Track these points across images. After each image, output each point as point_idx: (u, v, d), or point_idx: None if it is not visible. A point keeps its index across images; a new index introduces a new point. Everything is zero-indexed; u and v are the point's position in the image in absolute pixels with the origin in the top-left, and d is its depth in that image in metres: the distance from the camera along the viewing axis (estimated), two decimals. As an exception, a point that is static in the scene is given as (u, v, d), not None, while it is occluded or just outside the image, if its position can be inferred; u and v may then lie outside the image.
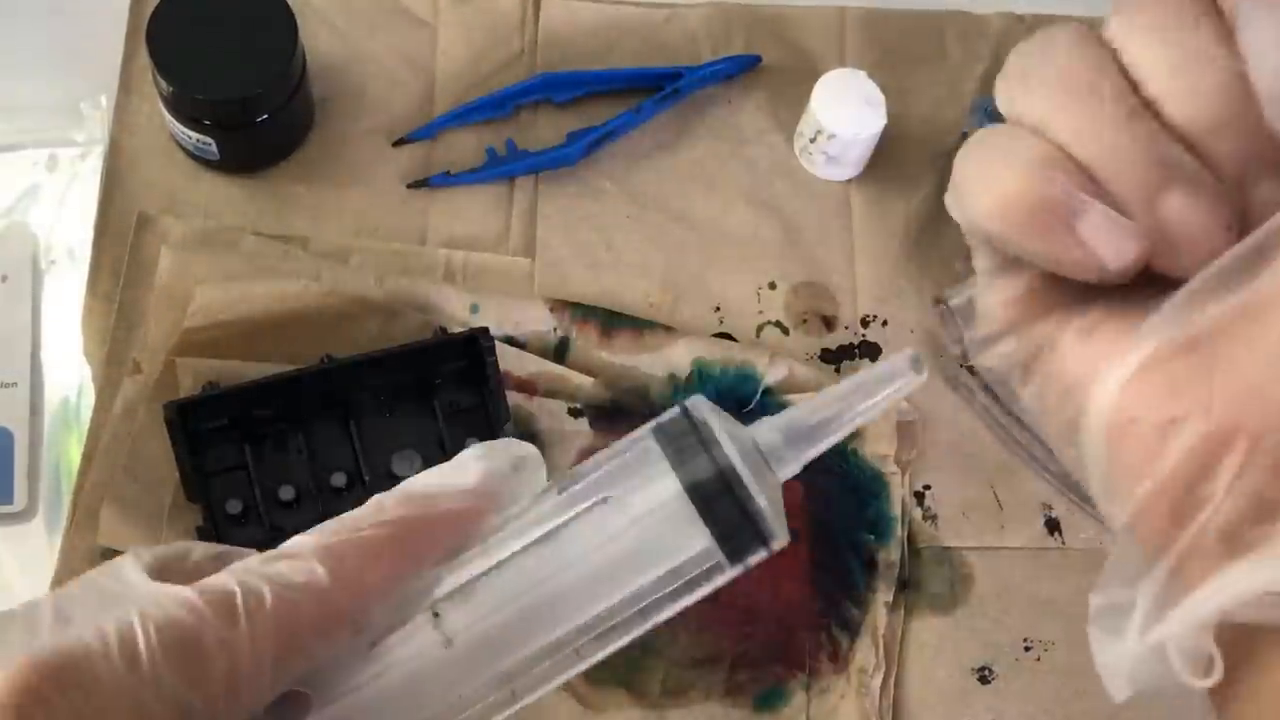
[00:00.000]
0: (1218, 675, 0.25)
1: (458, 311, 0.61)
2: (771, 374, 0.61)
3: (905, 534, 0.60)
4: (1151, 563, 0.26)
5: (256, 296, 0.58)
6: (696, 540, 0.29)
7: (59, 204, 0.63)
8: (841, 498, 0.60)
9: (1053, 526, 0.61)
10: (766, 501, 0.29)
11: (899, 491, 0.60)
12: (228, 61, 0.59)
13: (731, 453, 0.29)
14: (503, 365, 0.58)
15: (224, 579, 0.27)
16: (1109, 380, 0.27)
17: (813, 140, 0.64)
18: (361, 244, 0.62)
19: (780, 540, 0.29)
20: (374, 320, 0.59)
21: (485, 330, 0.57)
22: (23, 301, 0.60)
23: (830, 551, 0.59)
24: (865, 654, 0.57)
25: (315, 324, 0.58)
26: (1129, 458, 0.26)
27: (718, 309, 0.63)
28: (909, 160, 0.67)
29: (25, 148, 0.63)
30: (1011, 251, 0.30)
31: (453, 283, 0.62)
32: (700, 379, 0.61)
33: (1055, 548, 0.60)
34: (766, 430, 0.30)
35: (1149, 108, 0.28)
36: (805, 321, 0.63)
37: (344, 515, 0.28)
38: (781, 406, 0.60)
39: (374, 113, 0.65)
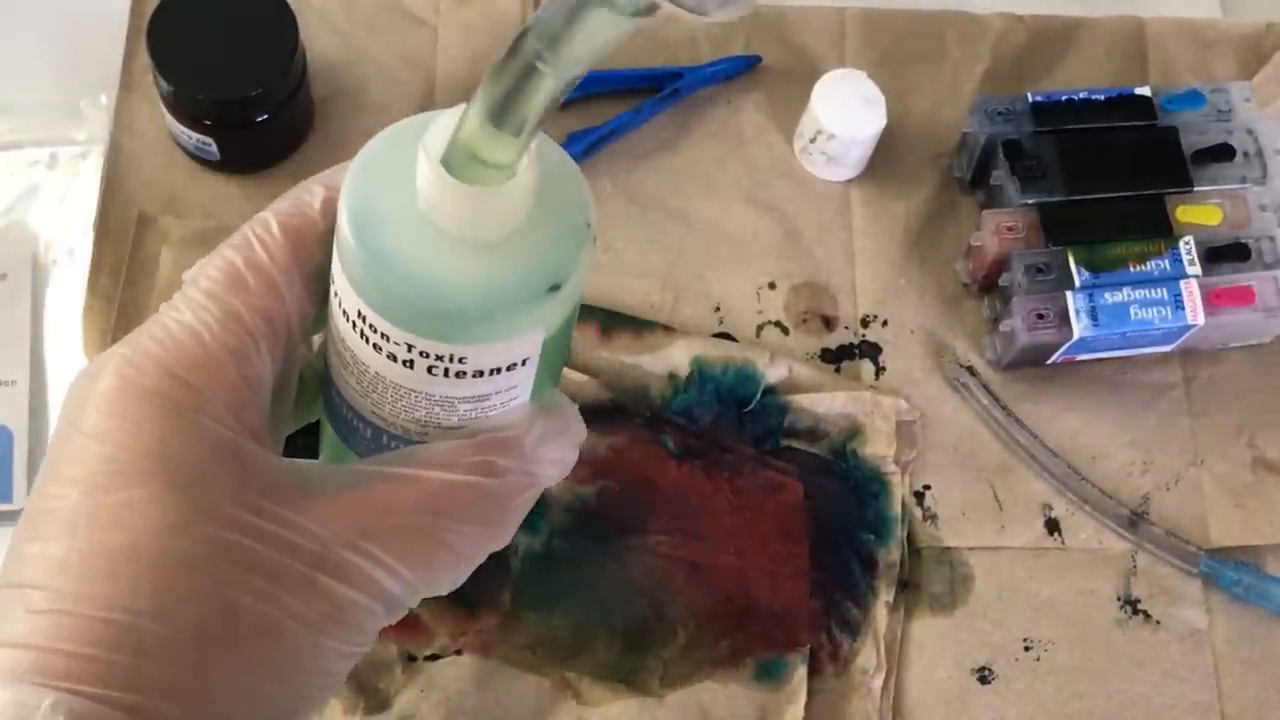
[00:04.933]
0: None
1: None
2: (771, 374, 0.61)
3: (905, 534, 0.59)
4: None
5: (256, 296, 0.58)
6: None
7: (59, 203, 0.63)
8: (841, 498, 0.60)
9: (1053, 526, 0.61)
10: None
11: (899, 491, 0.60)
12: (228, 61, 0.59)
13: None
14: (503, 365, 0.58)
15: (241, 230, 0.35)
16: None
17: (812, 140, 0.64)
18: (361, 244, 0.62)
19: None
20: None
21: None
22: (22, 300, 0.60)
23: (830, 551, 0.59)
24: (865, 654, 0.57)
25: (315, 323, 0.58)
26: None
27: (718, 309, 0.63)
28: (909, 160, 0.67)
29: (25, 146, 0.64)
30: None
31: (453, 282, 0.62)
32: (700, 378, 0.61)
33: (1055, 548, 0.60)
34: None
35: None
36: (805, 321, 0.63)
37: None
38: (782, 407, 0.61)
39: (374, 112, 0.65)
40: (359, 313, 0.33)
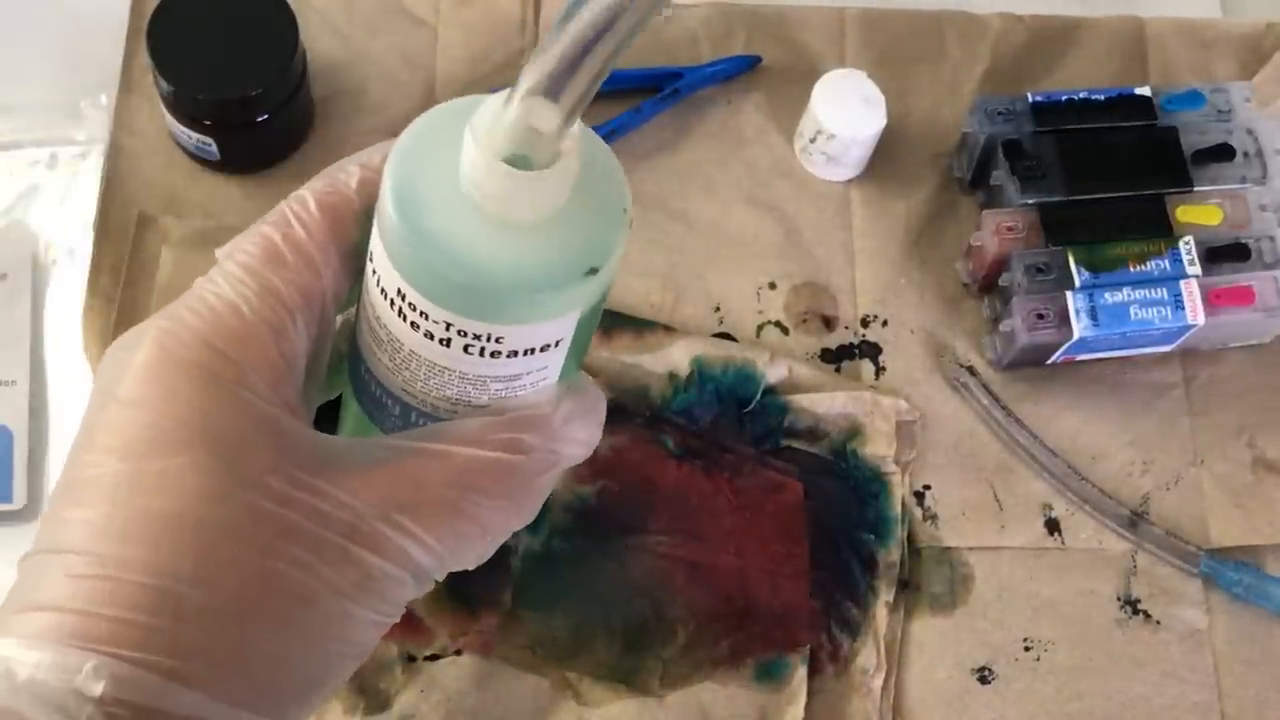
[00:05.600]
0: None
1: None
2: (772, 373, 0.61)
3: (905, 534, 0.59)
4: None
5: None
6: None
7: (59, 203, 0.63)
8: (841, 498, 0.60)
9: (1053, 526, 0.61)
10: None
11: (899, 491, 0.60)
12: (228, 61, 0.59)
13: None
14: (503, 365, 0.58)
15: (279, 208, 0.35)
16: None
17: (813, 140, 0.64)
18: (361, 244, 0.62)
19: None
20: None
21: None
22: (22, 300, 0.60)
23: (830, 551, 0.59)
24: (865, 654, 0.57)
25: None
26: None
27: (718, 309, 0.63)
28: (909, 160, 0.67)
29: (25, 146, 0.64)
30: None
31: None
32: (700, 378, 0.61)
33: (1055, 548, 0.60)
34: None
35: None
36: (805, 321, 0.63)
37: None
38: (782, 407, 0.61)
39: (374, 113, 0.65)
40: (399, 290, 0.33)
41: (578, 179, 0.32)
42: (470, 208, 0.32)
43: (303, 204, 0.35)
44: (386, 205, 0.33)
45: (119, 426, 0.32)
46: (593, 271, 0.33)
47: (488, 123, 0.31)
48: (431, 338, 0.34)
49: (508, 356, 0.34)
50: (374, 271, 0.34)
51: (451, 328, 0.33)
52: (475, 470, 0.35)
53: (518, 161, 0.31)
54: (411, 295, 0.33)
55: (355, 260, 0.36)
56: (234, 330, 0.33)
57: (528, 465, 0.35)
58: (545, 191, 0.32)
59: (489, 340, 0.33)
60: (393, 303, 0.34)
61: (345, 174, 0.36)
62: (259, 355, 0.33)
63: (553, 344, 0.34)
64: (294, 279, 0.34)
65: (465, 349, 0.34)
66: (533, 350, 0.34)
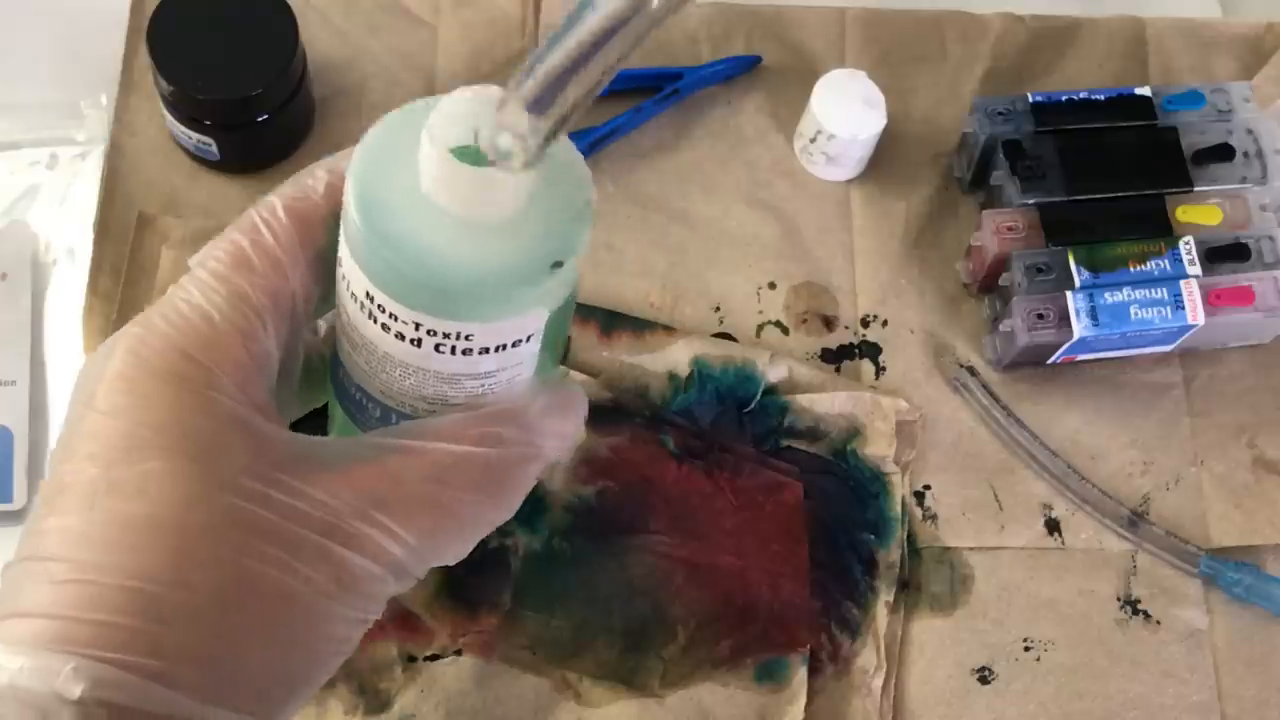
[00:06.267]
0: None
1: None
2: (772, 374, 0.61)
3: (905, 534, 0.60)
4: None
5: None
6: None
7: (59, 203, 0.63)
8: (841, 498, 0.60)
9: (1053, 526, 0.61)
10: None
11: (899, 491, 0.60)
12: (228, 61, 0.59)
13: None
14: (503, 365, 0.58)
15: (248, 213, 0.36)
16: None
17: (813, 140, 0.64)
18: (361, 244, 0.62)
19: None
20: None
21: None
22: (22, 300, 0.60)
23: (830, 551, 0.59)
24: (865, 654, 0.57)
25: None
26: None
27: (718, 309, 0.63)
28: (909, 160, 0.67)
29: (25, 146, 0.64)
30: None
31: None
32: (700, 378, 0.61)
33: (1055, 548, 0.60)
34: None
35: None
36: (805, 321, 0.63)
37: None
38: (782, 407, 0.61)
39: (374, 113, 0.64)
40: (367, 294, 0.33)
41: (539, 173, 0.33)
42: (432, 208, 0.32)
43: (271, 210, 0.36)
44: (350, 209, 0.33)
45: (95, 434, 0.33)
46: (558, 265, 0.33)
47: (444, 123, 0.31)
48: (403, 339, 0.34)
49: (479, 353, 0.34)
50: (344, 276, 0.34)
51: (421, 328, 0.33)
52: (452, 465, 0.35)
53: (475, 158, 0.31)
54: (379, 297, 0.33)
55: (325, 264, 0.36)
56: (205, 336, 0.34)
57: (504, 458, 0.36)
58: (506, 189, 0.32)
59: (459, 338, 0.33)
60: (363, 306, 0.34)
61: (313, 179, 0.36)
62: (230, 359, 0.34)
63: (524, 339, 0.35)
64: (262, 283, 0.35)
65: (436, 348, 0.34)
66: (504, 346, 0.34)
